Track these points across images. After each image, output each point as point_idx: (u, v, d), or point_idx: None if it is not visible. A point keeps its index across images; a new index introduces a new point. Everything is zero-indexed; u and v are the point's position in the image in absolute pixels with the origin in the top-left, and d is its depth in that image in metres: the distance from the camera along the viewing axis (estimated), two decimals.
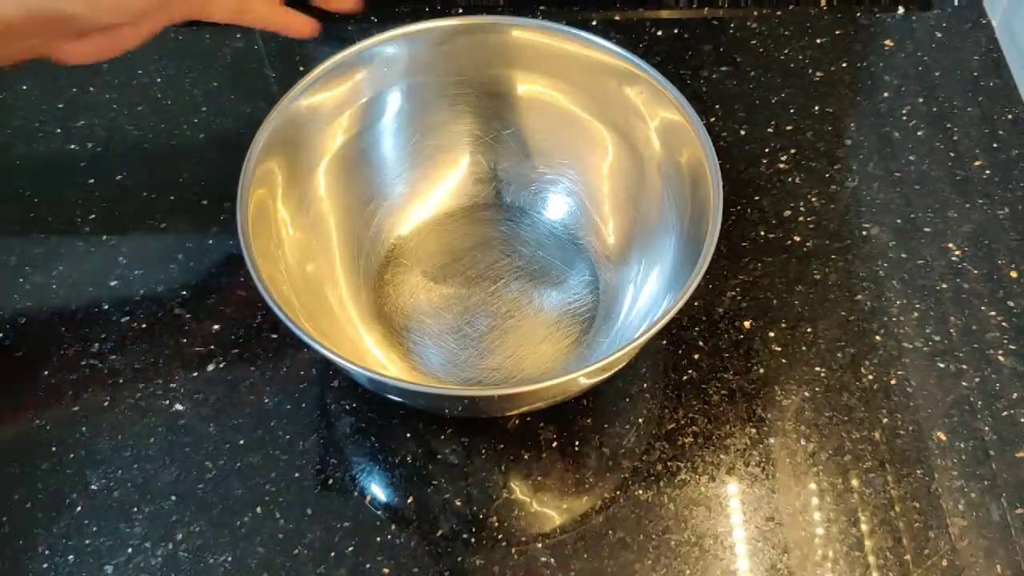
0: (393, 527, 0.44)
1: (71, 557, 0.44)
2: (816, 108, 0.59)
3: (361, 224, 0.51)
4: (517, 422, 0.47)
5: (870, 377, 0.48)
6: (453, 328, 0.49)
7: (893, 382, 0.48)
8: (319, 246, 0.49)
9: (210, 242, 0.54)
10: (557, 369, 0.48)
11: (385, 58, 0.48)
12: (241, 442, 0.47)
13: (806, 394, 0.48)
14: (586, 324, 0.49)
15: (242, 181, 0.43)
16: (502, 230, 0.53)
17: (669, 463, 0.46)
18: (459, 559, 0.43)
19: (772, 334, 0.50)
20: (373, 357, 0.48)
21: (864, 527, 0.44)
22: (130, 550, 0.44)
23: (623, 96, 0.48)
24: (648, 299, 0.47)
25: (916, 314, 0.51)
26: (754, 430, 0.47)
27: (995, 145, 0.57)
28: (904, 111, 0.59)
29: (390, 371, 0.47)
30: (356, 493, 0.45)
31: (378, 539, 0.44)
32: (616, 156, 0.50)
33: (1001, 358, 0.49)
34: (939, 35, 0.63)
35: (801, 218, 0.54)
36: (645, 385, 0.48)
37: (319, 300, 0.47)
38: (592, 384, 0.46)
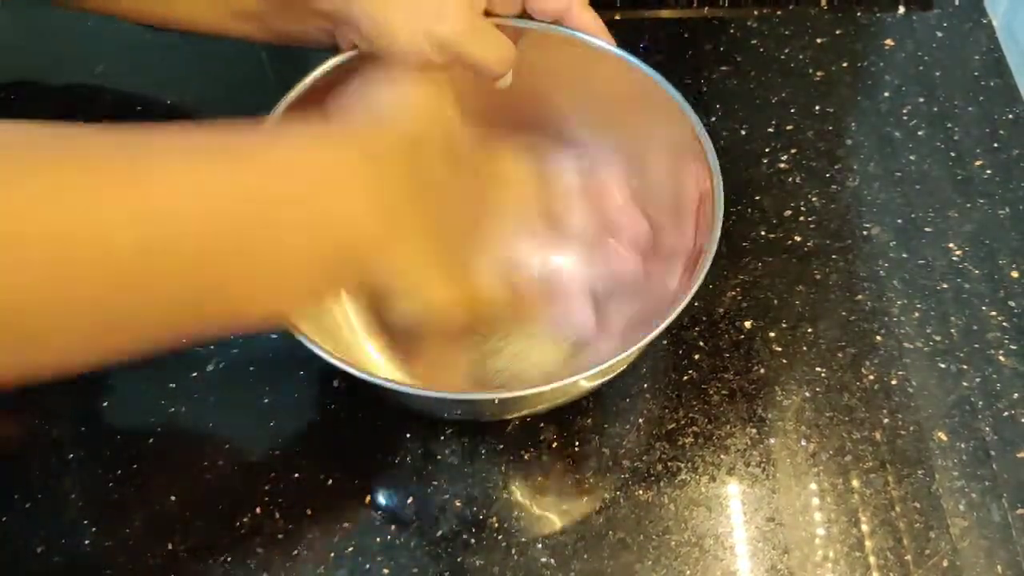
0: (393, 527, 0.44)
1: (71, 557, 0.43)
2: (816, 108, 0.59)
3: None
4: (517, 423, 0.47)
5: (871, 377, 0.48)
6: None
7: (894, 382, 0.48)
8: None
9: None
10: (561, 371, 0.47)
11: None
12: (241, 442, 0.47)
13: (806, 394, 0.48)
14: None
15: None
16: None
17: (669, 463, 0.46)
18: (459, 559, 0.43)
19: (772, 334, 0.50)
20: (375, 361, 0.48)
21: (865, 527, 0.44)
22: (130, 550, 0.44)
23: (622, 96, 0.48)
24: None
25: (917, 314, 0.50)
26: (754, 430, 0.47)
27: (996, 145, 0.57)
28: (904, 111, 0.59)
29: (391, 374, 0.47)
30: (356, 493, 0.45)
31: (378, 539, 0.44)
32: (616, 155, 0.50)
33: (1002, 358, 0.49)
34: (940, 35, 0.63)
35: (801, 218, 0.54)
36: (645, 385, 0.48)
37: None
38: (594, 387, 0.46)
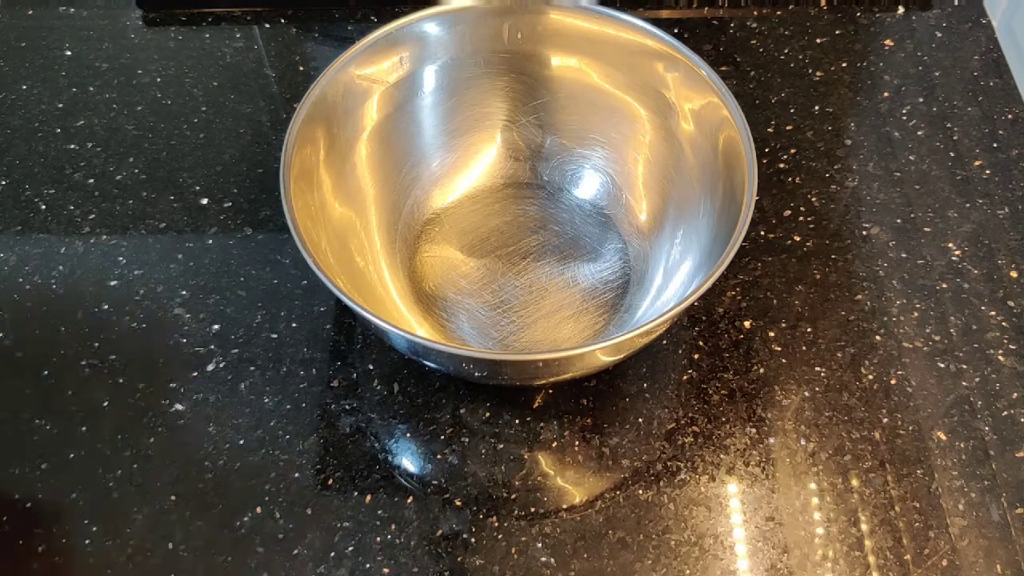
0: (393, 527, 0.44)
1: (71, 557, 0.43)
2: (816, 108, 0.59)
3: (398, 199, 0.52)
4: (517, 422, 0.47)
5: (870, 377, 0.48)
6: (488, 304, 0.50)
7: (893, 382, 0.48)
8: (359, 220, 0.50)
9: (210, 242, 0.54)
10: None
11: (425, 36, 0.49)
12: (241, 442, 0.47)
13: (806, 394, 0.48)
14: (618, 301, 0.50)
15: (287, 142, 0.44)
16: (537, 207, 0.54)
17: (669, 463, 0.46)
18: (459, 559, 0.43)
19: (772, 334, 0.50)
20: (409, 326, 0.48)
21: (864, 527, 0.44)
22: (130, 550, 0.44)
23: (659, 77, 0.48)
24: (680, 279, 0.48)
25: (916, 314, 0.51)
26: (754, 430, 0.47)
27: (995, 145, 0.57)
28: (904, 111, 0.59)
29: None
30: (356, 493, 0.45)
31: (378, 539, 0.44)
32: (651, 136, 0.51)
33: (1001, 358, 0.49)
34: (939, 35, 0.63)
35: (801, 218, 0.54)
36: (645, 385, 0.48)
37: (358, 272, 0.48)
38: (614, 361, 0.46)
